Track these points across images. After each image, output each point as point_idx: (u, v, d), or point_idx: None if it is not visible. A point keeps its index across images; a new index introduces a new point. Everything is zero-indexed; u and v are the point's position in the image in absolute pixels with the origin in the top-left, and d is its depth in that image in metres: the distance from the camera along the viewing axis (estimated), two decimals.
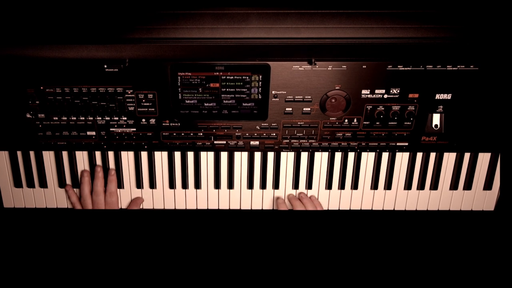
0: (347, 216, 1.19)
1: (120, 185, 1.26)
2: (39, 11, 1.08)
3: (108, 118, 1.16)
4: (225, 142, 1.20)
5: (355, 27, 1.10)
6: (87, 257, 0.89)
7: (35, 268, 0.87)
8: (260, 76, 1.11)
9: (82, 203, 1.24)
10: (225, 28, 1.10)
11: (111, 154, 1.24)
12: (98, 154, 1.24)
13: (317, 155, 1.25)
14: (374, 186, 1.27)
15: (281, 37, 1.10)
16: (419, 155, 1.26)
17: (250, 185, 1.27)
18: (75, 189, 1.26)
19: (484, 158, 1.26)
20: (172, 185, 1.26)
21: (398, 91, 1.13)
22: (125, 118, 1.16)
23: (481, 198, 1.30)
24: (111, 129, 1.17)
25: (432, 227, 1.00)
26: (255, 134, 1.19)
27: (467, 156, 1.26)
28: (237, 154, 1.25)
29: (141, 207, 1.27)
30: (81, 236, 0.95)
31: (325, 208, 1.29)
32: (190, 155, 1.25)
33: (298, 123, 1.17)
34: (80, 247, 0.92)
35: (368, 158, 1.26)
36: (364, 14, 1.10)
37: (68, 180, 1.26)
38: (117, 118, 1.16)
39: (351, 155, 1.25)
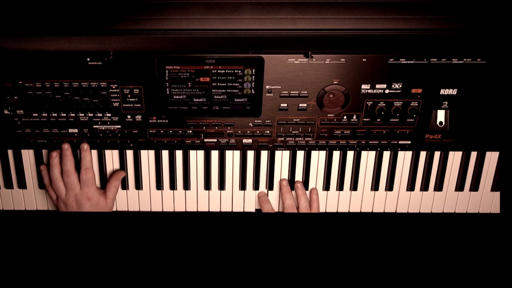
0: (346, 219, 1.18)
1: (104, 185, 1.25)
2: (17, 0, 1.07)
3: (91, 115, 1.15)
4: (216, 140, 1.19)
5: (355, 18, 1.10)
6: (67, 263, 0.88)
7: (11, 274, 0.86)
8: (253, 70, 1.10)
9: (53, 187, 1.19)
10: (216, 19, 1.09)
11: (94, 153, 1.23)
12: None
13: (314, 154, 1.24)
14: (375, 187, 1.27)
15: (275, 28, 1.09)
16: (423, 154, 1.25)
17: (243, 186, 1.26)
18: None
19: (492, 157, 1.26)
20: (159, 185, 1.25)
21: (400, 86, 1.12)
22: (110, 115, 1.15)
23: (488, 200, 1.29)
24: (94, 126, 1.16)
25: (437, 231, 1.00)
26: (248, 132, 1.18)
27: (473, 155, 1.26)
28: (228, 153, 1.24)
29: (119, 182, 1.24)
30: (62, 240, 0.94)
31: (322, 210, 1.28)
32: (179, 154, 1.24)
33: (294, 120, 1.16)
34: (60, 252, 0.91)
35: (368, 157, 1.25)
36: (364, 4, 1.09)
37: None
38: (100, 115, 1.15)
39: (350, 154, 1.24)
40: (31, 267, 0.87)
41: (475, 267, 0.88)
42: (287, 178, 1.26)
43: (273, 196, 1.27)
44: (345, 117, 1.16)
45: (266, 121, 1.16)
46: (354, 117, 1.16)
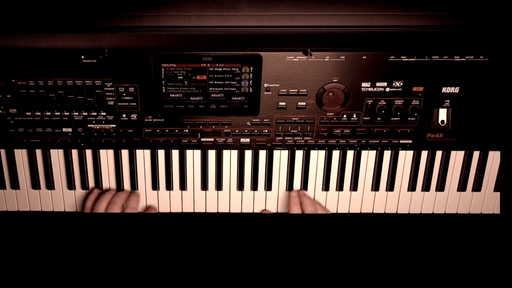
0: (346, 219, 1.18)
1: (98, 186, 1.24)
2: None
3: (86, 114, 1.14)
4: (213, 139, 1.18)
5: (355, 14, 1.09)
6: (61, 264, 0.88)
7: (5, 275, 0.86)
8: (251, 68, 1.10)
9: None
10: (213, 15, 1.08)
11: (88, 153, 1.23)
12: (74, 153, 1.23)
13: (313, 153, 1.24)
14: (375, 187, 1.26)
15: (274, 25, 1.09)
16: (424, 154, 1.25)
17: (240, 187, 1.25)
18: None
19: (494, 157, 1.25)
20: (155, 186, 1.25)
21: (401, 84, 1.12)
22: (104, 114, 1.14)
23: (491, 200, 1.29)
24: (89, 125, 1.16)
25: (438, 232, 0.99)
26: (246, 131, 1.17)
27: (476, 154, 1.25)
28: (226, 153, 1.23)
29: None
30: (57, 241, 0.93)
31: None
32: (175, 153, 1.23)
33: (293, 118, 1.15)
34: (54, 252, 0.91)
35: (368, 157, 1.24)
36: (364, 0, 1.09)
37: (42, 181, 1.24)
38: (95, 114, 1.14)
39: (350, 154, 1.24)
40: (24, 268, 0.87)
41: (477, 268, 0.88)
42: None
43: (272, 197, 1.27)
44: (344, 116, 1.15)
45: (264, 120, 1.16)
46: (354, 116, 1.15)
